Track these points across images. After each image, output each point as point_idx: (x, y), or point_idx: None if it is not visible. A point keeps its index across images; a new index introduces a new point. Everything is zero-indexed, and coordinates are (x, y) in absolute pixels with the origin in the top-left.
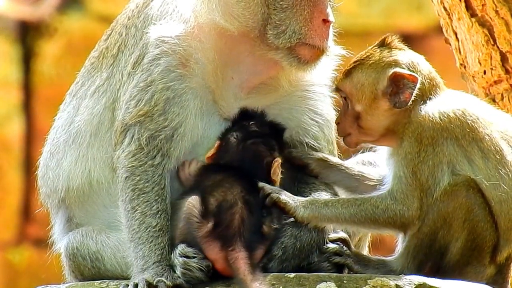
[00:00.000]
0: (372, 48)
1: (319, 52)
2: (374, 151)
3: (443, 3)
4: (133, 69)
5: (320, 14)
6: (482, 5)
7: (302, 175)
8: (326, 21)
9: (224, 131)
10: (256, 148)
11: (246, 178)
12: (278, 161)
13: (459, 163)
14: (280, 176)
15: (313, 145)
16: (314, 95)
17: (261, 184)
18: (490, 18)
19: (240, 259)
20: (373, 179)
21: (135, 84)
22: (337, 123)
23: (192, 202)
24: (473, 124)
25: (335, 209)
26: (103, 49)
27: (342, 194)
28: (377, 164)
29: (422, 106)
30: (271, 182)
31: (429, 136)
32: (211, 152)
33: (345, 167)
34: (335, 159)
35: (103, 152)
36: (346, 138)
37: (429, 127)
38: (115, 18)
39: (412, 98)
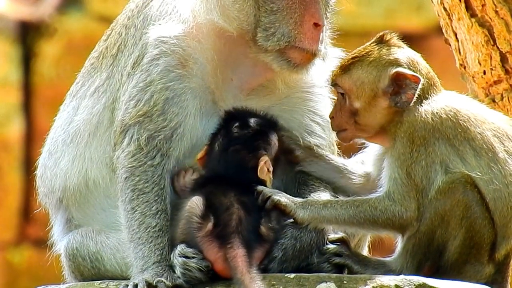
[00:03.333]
0: (370, 44)
1: (309, 55)
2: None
3: (443, 4)
4: (132, 69)
5: (311, 17)
6: (482, 5)
7: (285, 160)
8: (317, 25)
9: (211, 135)
10: (237, 155)
11: (238, 182)
12: (264, 159)
13: (452, 162)
14: (270, 173)
15: (317, 146)
16: (314, 97)
17: (260, 187)
18: (490, 18)
19: (238, 257)
20: (356, 174)
21: (134, 84)
22: (332, 117)
23: (195, 201)
24: (464, 124)
25: (334, 210)
26: (102, 49)
27: (341, 197)
28: (368, 162)
29: (417, 106)
30: (262, 183)
31: (420, 137)
32: (200, 155)
33: (329, 158)
34: (321, 151)
35: (101, 152)
36: (341, 133)
37: (421, 128)
38: (115, 18)
39: (414, 98)
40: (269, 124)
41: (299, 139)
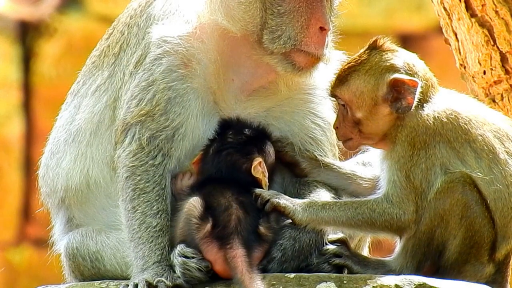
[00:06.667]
0: (364, 51)
1: (314, 59)
2: (369, 152)
3: (443, 4)
4: (135, 68)
5: (317, 21)
6: (482, 5)
7: (292, 174)
8: (323, 29)
9: (207, 141)
10: (230, 158)
11: (234, 183)
12: (258, 160)
13: (452, 164)
14: (265, 173)
15: (319, 150)
16: (315, 98)
17: (258, 190)
18: (490, 18)
19: (238, 257)
20: (365, 178)
21: (136, 83)
22: (336, 127)
23: (193, 203)
24: (465, 126)
25: (333, 212)
26: (104, 47)
27: (345, 197)
28: (373, 164)
29: (418, 110)
30: (257, 184)
31: (421, 140)
32: (195, 160)
33: (336, 166)
34: (326, 159)
35: (102, 151)
36: (347, 142)
37: (422, 132)
38: (115, 18)
39: (415, 102)
40: (264, 136)
41: (301, 150)
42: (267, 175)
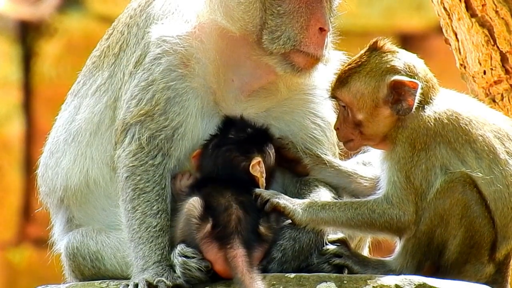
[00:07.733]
0: (365, 52)
1: (313, 60)
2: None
3: (443, 4)
4: (134, 68)
5: (317, 22)
6: (482, 5)
7: (293, 173)
8: (322, 30)
9: (208, 136)
10: (229, 154)
11: (234, 183)
12: (257, 159)
13: (452, 165)
14: (263, 172)
15: (320, 149)
16: (315, 98)
17: (258, 190)
18: (490, 18)
19: (238, 257)
20: (366, 178)
21: (136, 83)
22: (337, 128)
23: (193, 203)
24: (466, 127)
25: (332, 212)
26: (104, 48)
27: (345, 197)
28: (373, 164)
29: (419, 112)
30: (253, 183)
31: (422, 142)
32: (195, 153)
33: (337, 164)
34: (328, 157)
35: (102, 151)
36: (348, 143)
37: (423, 134)
38: (115, 18)
39: (415, 104)
40: (266, 136)
41: (303, 149)
42: (264, 175)
